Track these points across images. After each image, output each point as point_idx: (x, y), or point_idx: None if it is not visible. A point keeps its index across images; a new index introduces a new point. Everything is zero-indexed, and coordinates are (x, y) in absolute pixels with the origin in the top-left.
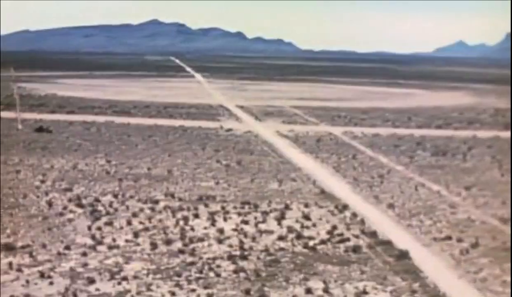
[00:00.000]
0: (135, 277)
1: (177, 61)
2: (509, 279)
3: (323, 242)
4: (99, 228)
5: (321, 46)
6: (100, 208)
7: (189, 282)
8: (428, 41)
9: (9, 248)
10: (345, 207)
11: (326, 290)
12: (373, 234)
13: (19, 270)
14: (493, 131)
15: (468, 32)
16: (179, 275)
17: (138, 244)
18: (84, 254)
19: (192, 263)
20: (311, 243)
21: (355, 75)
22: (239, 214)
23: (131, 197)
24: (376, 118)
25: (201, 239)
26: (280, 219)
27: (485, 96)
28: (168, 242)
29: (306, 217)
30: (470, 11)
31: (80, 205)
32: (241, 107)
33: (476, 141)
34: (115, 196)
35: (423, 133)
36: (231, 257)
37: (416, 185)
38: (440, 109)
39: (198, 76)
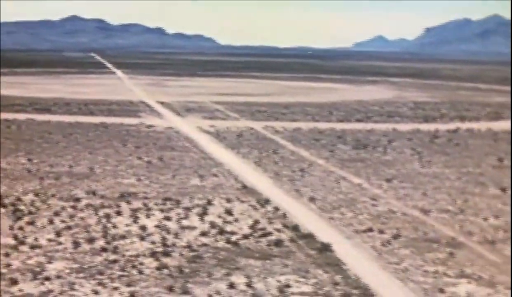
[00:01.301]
0: (58, 276)
1: (98, 57)
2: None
3: (245, 237)
4: (21, 228)
5: (242, 41)
6: (21, 207)
7: (112, 280)
8: (348, 36)
9: None
10: (267, 201)
11: (249, 285)
12: (295, 228)
13: None
14: (413, 124)
15: (388, 27)
16: (102, 274)
17: (60, 243)
18: (7, 255)
19: (115, 261)
20: (233, 238)
21: (276, 70)
22: (161, 210)
23: (53, 195)
24: (297, 112)
25: (123, 237)
26: (202, 214)
27: (405, 89)
28: (91, 240)
29: (228, 212)
30: (389, 5)
31: (1, 205)
32: (162, 103)
33: (396, 134)
34: (37, 195)
35: (344, 126)
36: (153, 254)
37: (337, 178)
38: (360, 103)
39: (118, 72)
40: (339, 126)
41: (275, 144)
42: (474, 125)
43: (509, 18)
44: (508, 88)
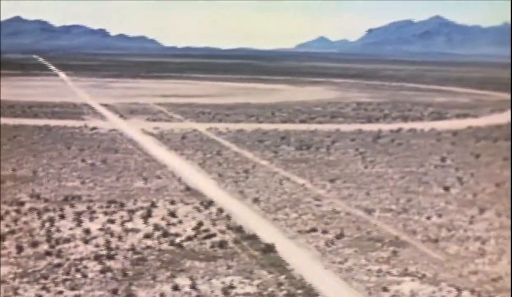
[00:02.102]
0: (1, 281)
1: (41, 59)
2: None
3: (189, 238)
4: None
5: (184, 42)
6: None
7: (56, 284)
8: (291, 37)
9: None
10: (211, 203)
11: (193, 287)
12: (239, 229)
13: None
14: (356, 125)
15: (330, 28)
16: (46, 278)
17: (4, 248)
18: None
19: (59, 265)
20: (177, 240)
21: (220, 71)
22: (105, 213)
23: None
24: (240, 113)
25: (67, 240)
26: (146, 217)
27: (348, 90)
28: (35, 244)
29: (172, 214)
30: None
31: None
32: (106, 105)
33: (339, 134)
34: None
35: (287, 127)
36: (98, 257)
37: (281, 179)
38: (303, 103)
39: (62, 74)
40: (282, 127)
41: (218, 146)
42: (417, 125)
43: (450, 19)
44: (450, 88)
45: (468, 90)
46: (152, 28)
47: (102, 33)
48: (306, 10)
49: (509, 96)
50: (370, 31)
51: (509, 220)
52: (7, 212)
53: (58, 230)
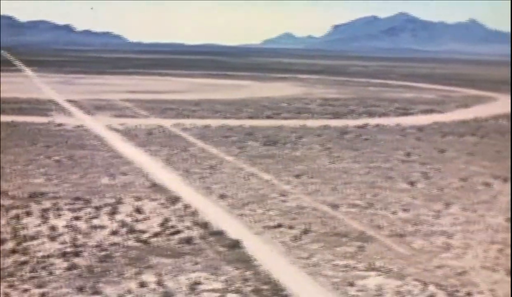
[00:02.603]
0: None
1: (6, 54)
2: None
3: (156, 235)
4: None
5: (150, 38)
6: None
7: (23, 282)
8: (257, 33)
9: None
10: (177, 199)
11: (159, 283)
12: (206, 225)
13: None
14: (322, 120)
15: (296, 24)
16: (11, 276)
17: None
18: None
19: (25, 263)
20: (144, 236)
21: (186, 67)
22: (71, 210)
23: None
24: (206, 109)
25: (33, 238)
26: (112, 213)
27: (314, 86)
28: (0, 242)
29: (139, 210)
30: (296, 2)
31: None
32: (72, 102)
33: (305, 130)
34: None
35: (253, 123)
36: (64, 255)
37: (247, 174)
38: (270, 99)
39: (27, 70)
40: (248, 123)
41: (185, 142)
42: (383, 121)
43: (416, 16)
44: (416, 84)
45: (433, 86)
46: (117, 23)
47: (68, 28)
48: (272, 6)
49: (474, 92)
50: (335, 27)
51: (474, 215)
52: None
53: (24, 227)
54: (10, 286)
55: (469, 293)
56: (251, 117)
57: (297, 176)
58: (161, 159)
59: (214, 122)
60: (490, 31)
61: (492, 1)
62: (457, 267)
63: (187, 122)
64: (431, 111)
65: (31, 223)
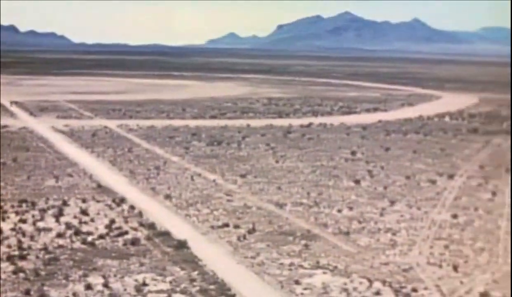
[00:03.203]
0: None
1: None
2: None
3: (101, 236)
4: None
5: (94, 39)
6: None
7: None
8: (201, 33)
9: None
10: (123, 200)
11: (106, 285)
12: (152, 226)
13: None
14: (266, 120)
15: (240, 24)
16: None
17: None
18: None
19: None
20: (89, 238)
21: (130, 68)
22: (16, 213)
23: None
24: (151, 110)
25: None
26: (58, 216)
27: (258, 86)
28: None
29: (84, 212)
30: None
31: None
32: (16, 103)
33: (250, 130)
34: None
35: (198, 123)
36: (9, 258)
37: (192, 175)
38: (214, 99)
39: None
40: (193, 123)
41: (130, 143)
42: (327, 120)
43: (360, 15)
44: (360, 83)
45: (378, 84)
46: (61, 24)
47: (12, 29)
48: (216, 6)
49: (419, 90)
50: (280, 27)
51: (419, 212)
52: None
53: None
54: None
55: (414, 289)
56: (195, 118)
57: (242, 175)
58: (106, 160)
59: (158, 123)
60: (433, 30)
61: (435, 1)
62: (402, 264)
63: (132, 123)
64: (375, 110)
65: None
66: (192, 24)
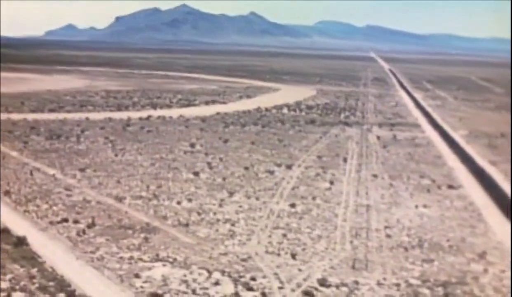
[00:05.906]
0: None
1: None
2: None
3: None
4: None
5: None
6: None
7: None
8: (38, 24)
9: None
10: None
11: None
12: None
13: None
14: (105, 113)
15: (78, 16)
16: None
17: None
18: None
19: None
20: None
21: None
22: None
23: None
24: None
25: None
26: None
27: (97, 78)
28: None
29: None
30: None
31: None
32: None
33: (89, 123)
34: None
35: (37, 117)
36: None
37: (31, 170)
38: (52, 92)
39: None
40: (31, 116)
41: None
42: (166, 112)
43: (197, 8)
44: (199, 75)
45: (216, 77)
46: None
47: None
48: None
49: (257, 83)
50: (118, 19)
51: (258, 202)
52: None
53: None
54: None
55: (253, 278)
56: (34, 111)
57: (82, 169)
58: None
59: None
60: (271, 24)
61: None
62: (241, 254)
63: None
64: (214, 102)
65: None
66: (30, 15)
